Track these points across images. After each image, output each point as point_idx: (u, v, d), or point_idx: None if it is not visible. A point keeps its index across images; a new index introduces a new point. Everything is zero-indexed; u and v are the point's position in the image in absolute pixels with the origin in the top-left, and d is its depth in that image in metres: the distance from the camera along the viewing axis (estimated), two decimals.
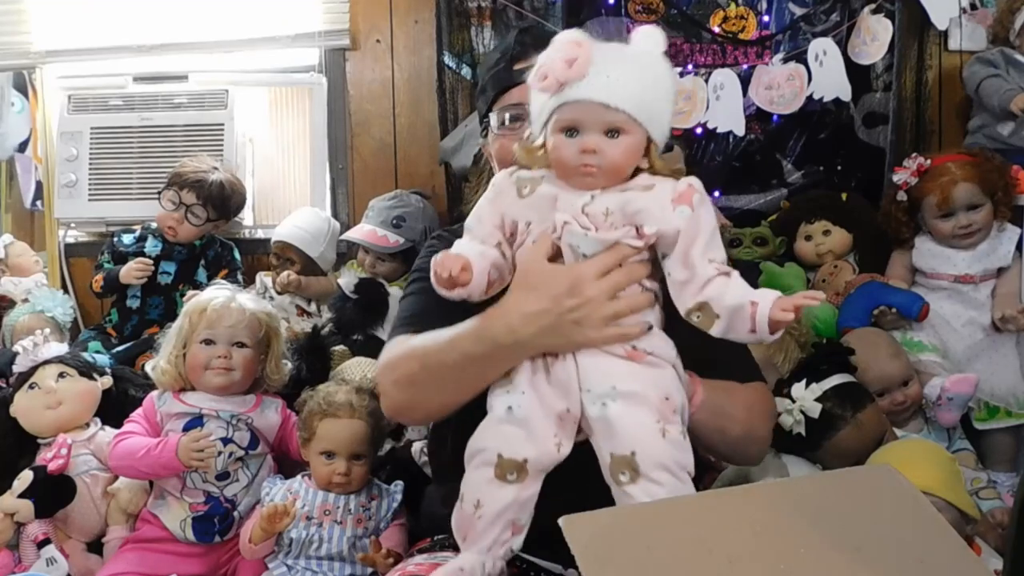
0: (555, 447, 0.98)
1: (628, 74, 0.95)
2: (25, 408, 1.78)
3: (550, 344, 0.99)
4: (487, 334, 1.00)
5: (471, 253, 1.01)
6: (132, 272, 2.32)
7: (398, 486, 1.61)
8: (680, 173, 0.99)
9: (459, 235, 1.29)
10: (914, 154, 2.23)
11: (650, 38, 0.99)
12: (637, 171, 0.99)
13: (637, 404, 0.96)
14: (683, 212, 0.94)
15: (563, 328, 0.97)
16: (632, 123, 0.95)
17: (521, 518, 1.00)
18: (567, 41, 0.95)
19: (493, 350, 1.00)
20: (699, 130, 2.54)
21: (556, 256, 1.00)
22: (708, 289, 0.94)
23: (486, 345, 1.00)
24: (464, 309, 1.05)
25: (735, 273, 0.96)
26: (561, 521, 0.98)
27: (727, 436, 1.14)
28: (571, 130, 0.96)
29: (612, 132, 0.95)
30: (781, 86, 2.50)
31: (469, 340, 1.02)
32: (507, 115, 1.22)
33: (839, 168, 2.60)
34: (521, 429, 0.98)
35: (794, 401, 1.72)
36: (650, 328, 0.99)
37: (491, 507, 0.98)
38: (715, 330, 0.95)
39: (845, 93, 2.47)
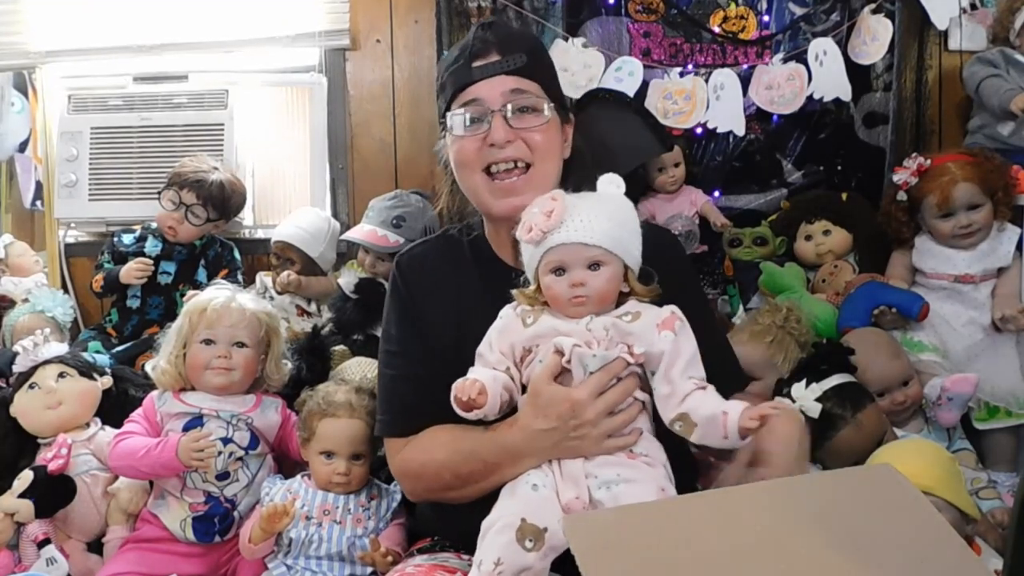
0: None
1: (598, 215, 1.11)
2: (25, 408, 1.78)
3: (557, 455, 1.11)
4: (503, 447, 1.13)
5: (485, 378, 1.11)
6: (132, 272, 2.32)
7: (398, 486, 1.61)
8: (657, 293, 1.13)
9: (421, 258, 1.36)
10: (914, 154, 2.23)
11: (612, 183, 1.15)
12: (623, 296, 1.14)
13: (639, 486, 1.06)
14: (667, 336, 1.08)
15: (567, 443, 1.09)
16: (609, 255, 1.10)
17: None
18: (544, 198, 1.12)
19: (509, 460, 1.12)
20: (699, 130, 2.54)
21: (561, 374, 1.11)
22: (687, 402, 1.06)
23: (503, 456, 1.13)
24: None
25: (710, 387, 1.08)
26: (562, 520, 0.99)
27: None
28: (559, 270, 1.11)
29: (594, 265, 1.10)
30: (781, 86, 2.49)
31: (488, 452, 1.14)
32: (468, 115, 1.25)
33: (839, 168, 2.60)
34: (545, 501, 1.07)
35: (794, 401, 1.72)
36: (641, 433, 1.11)
37: (511, 565, 1.02)
38: (694, 437, 1.06)
39: (845, 93, 2.47)
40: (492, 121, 1.23)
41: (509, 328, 1.15)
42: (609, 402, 1.08)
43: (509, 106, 1.23)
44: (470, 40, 1.27)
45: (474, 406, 1.09)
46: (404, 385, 1.29)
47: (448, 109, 1.28)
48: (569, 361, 1.09)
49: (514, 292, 1.17)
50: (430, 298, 1.31)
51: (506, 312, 1.17)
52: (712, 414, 1.05)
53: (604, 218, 1.11)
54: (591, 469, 1.08)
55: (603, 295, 1.11)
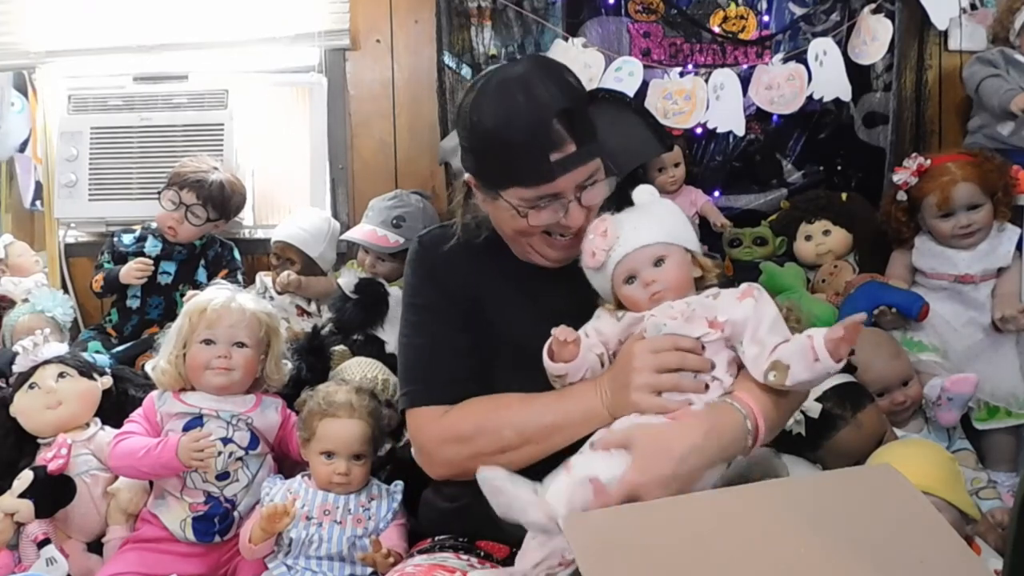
0: None
1: (644, 218, 1.18)
2: (25, 408, 1.78)
3: (613, 408, 1.13)
4: (572, 400, 1.16)
5: (583, 341, 1.16)
6: (132, 272, 2.32)
7: (398, 486, 1.61)
8: (725, 268, 1.16)
9: (440, 239, 1.35)
10: (914, 154, 2.23)
11: (645, 192, 1.23)
12: (699, 281, 1.19)
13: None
14: (748, 303, 1.13)
15: (620, 391, 1.12)
16: (668, 247, 1.17)
17: (570, 552, 1.04)
18: (593, 224, 1.19)
19: (580, 418, 1.15)
20: (699, 130, 2.54)
21: None
22: (776, 352, 1.09)
23: (572, 411, 1.16)
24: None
25: (793, 337, 1.11)
26: (561, 521, 0.99)
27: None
28: (631, 278, 1.17)
29: (659, 262, 1.16)
30: (781, 86, 2.49)
31: (558, 408, 1.17)
32: (541, 203, 1.19)
33: (839, 168, 2.60)
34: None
35: None
36: (690, 404, 1.12)
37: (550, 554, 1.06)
38: (789, 380, 1.07)
39: (845, 93, 2.47)
40: (569, 208, 1.19)
41: (602, 322, 1.20)
42: (662, 360, 1.10)
43: (582, 192, 1.20)
44: (543, 127, 1.13)
45: (564, 354, 1.14)
46: (443, 353, 1.28)
47: (509, 185, 1.19)
48: (645, 330, 1.15)
49: (599, 309, 1.22)
50: (451, 277, 1.31)
51: (600, 312, 1.22)
52: (800, 346, 1.07)
53: (650, 218, 1.18)
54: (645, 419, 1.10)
55: (677, 283, 1.16)
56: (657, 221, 1.18)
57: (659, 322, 1.14)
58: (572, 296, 1.23)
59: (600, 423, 1.13)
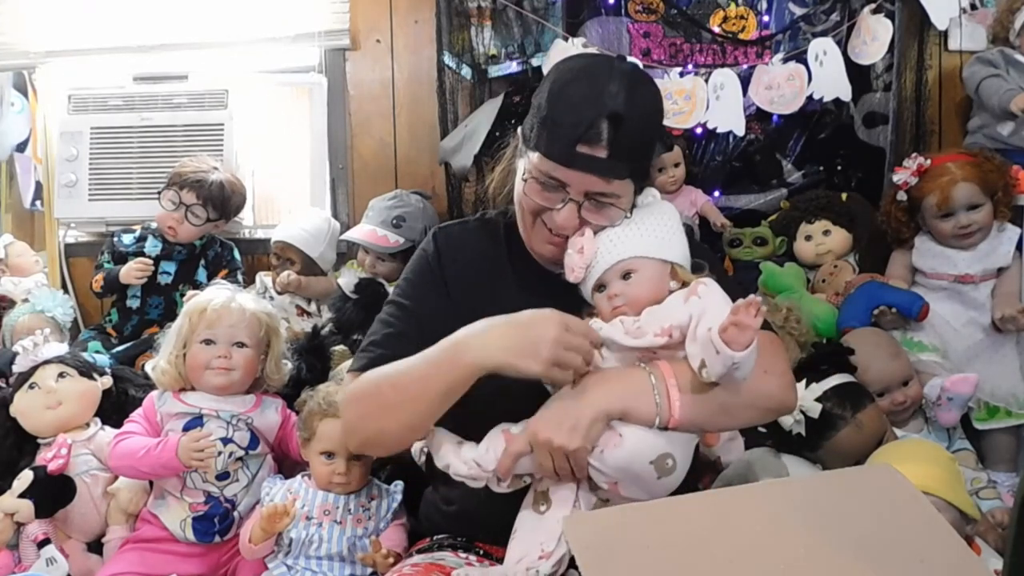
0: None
1: (625, 230, 1.17)
2: (25, 408, 1.78)
3: (501, 356, 1.07)
4: (450, 341, 1.12)
5: None
6: (132, 272, 2.32)
7: (398, 486, 1.61)
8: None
9: (457, 239, 1.35)
10: (914, 154, 2.23)
11: (648, 195, 1.22)
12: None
13: None
14: (693, 302, 1.10)
15: (519, 348, 1.06)
16: (640, 261, 1.16)
17: (549, 544, 1.08)
18: (573, 238, 1.19)
19: (450, 357, 1.11)
20: (699, 130, 2.54)
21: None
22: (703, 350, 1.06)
23: (446, 352, 1.11)
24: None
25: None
26: (562, 521, 0.99)
27: (731, 423, 1.21)
28: (601, 287, 1.18)
29: (626, 275, 1.16)
30: (781, 86, 2.49)
31: (433, 351, 1.13)
32: (546, 181, 1.18)
33: (839, 168, 2.61)
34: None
35: None
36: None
37: (524, 528, 1.12)
38: (713, 375, 1.05)
39: (845, 93, 2.47)
40: (565, 205, 1.17)
41: None
42: (571, 341, 1.06)
43: (588, 202, 1.17)
44: (590, 117, 1.12)
45: None
46: (397, 340, 1.26)
47: (533, 147, 1.18)
48: None
49: (584, 315, 1.21)
50: (460, 279, 1.30)
51: (584, 318, 1.21)
52: (705, 340, 1.04)
53: (632, 230, 1.17)
54: None
55: (640, 299, 1.15)
56: (637, 234, 1.16)
57: (597, 326, 1.14)
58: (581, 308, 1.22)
59: (473, 362, 1.08)
